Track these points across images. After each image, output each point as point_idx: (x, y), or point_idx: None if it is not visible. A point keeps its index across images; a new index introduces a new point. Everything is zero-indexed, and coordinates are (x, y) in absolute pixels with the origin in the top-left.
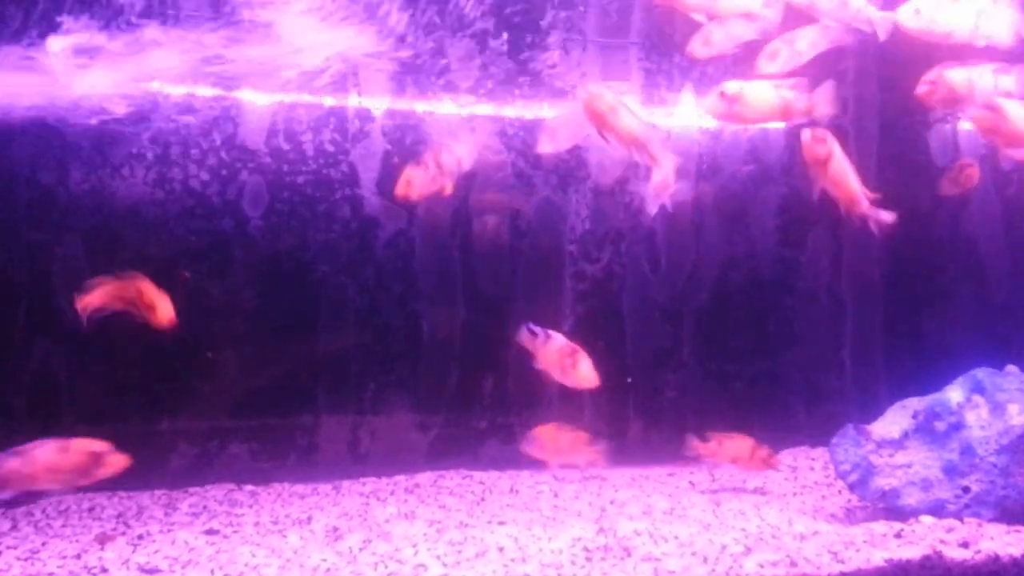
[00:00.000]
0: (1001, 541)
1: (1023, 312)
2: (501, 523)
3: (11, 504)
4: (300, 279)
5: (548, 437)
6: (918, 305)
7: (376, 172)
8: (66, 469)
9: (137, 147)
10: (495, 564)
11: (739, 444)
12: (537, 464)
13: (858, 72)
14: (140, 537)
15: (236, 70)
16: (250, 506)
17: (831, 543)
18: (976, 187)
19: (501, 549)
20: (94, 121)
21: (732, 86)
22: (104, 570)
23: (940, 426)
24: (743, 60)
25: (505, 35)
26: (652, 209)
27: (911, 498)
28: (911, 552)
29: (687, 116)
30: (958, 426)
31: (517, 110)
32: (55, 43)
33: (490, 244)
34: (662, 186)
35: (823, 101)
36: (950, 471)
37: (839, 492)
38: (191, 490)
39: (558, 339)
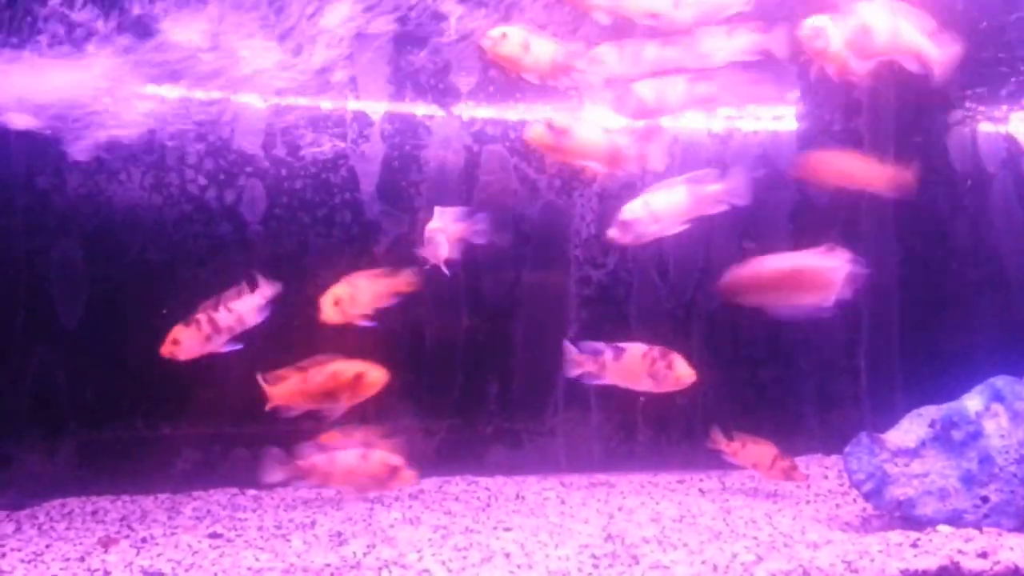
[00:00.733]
0: (1021, 552)
1: None
2: (507, 529)
3: (15, 507)
4: (297, 283)
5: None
6: (935, 312)
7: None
8: (363, 476)
9: None
10: (501, 570)
11: (762, 450)
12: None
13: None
14: (144, 540)
15: None
16: (253, 510)
17: (845, 552)
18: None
19: (507, 555)
20: None
21: (561, 119)
22: (107, 573)
23: (958, 435)
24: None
25: None
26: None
27: (927, 508)
28: (928, 562)
29: (696, 120)
30: (976, 435)
31: (519, 112)
32: None
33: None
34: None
35: (656, 154)
36: (968, 480)
37: (853, 500)
38: (195, 494)
39: (636, 348)
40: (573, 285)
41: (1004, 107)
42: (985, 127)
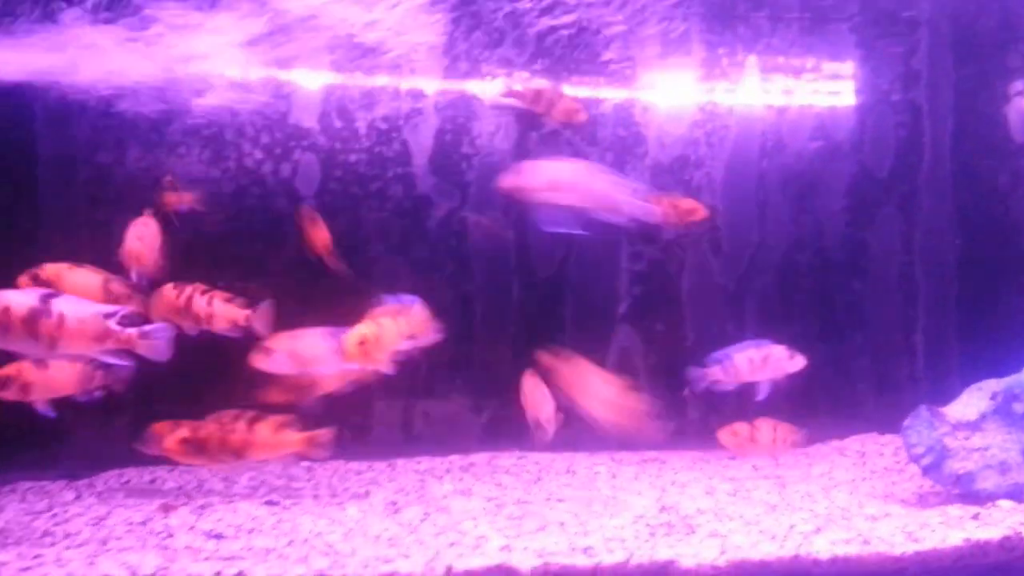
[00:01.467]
0: None
1: None
2: (560, 500)
3: (73, 477)
4: (352, 258)
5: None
6: (994, 286)
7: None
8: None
9: None
10: (557, 537)
11: (765, 428)
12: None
13: (931, 46)
14: (202, 507)
15: None
16: (307, 480)
17: (905, 524)
18: None
19: (562, 524)
20: None
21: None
22: (170, 535)
23: (1019, 408)
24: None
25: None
26: None
27: (988, 482)
28: (990, 533)
29: (750, 91)
30: None
31: (573, 86)
32: None
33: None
34: None
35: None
36: None
37: (910, 478)
38: (248, 465)
39: (749, 348)
40: (624, 260)
41: None
42: None
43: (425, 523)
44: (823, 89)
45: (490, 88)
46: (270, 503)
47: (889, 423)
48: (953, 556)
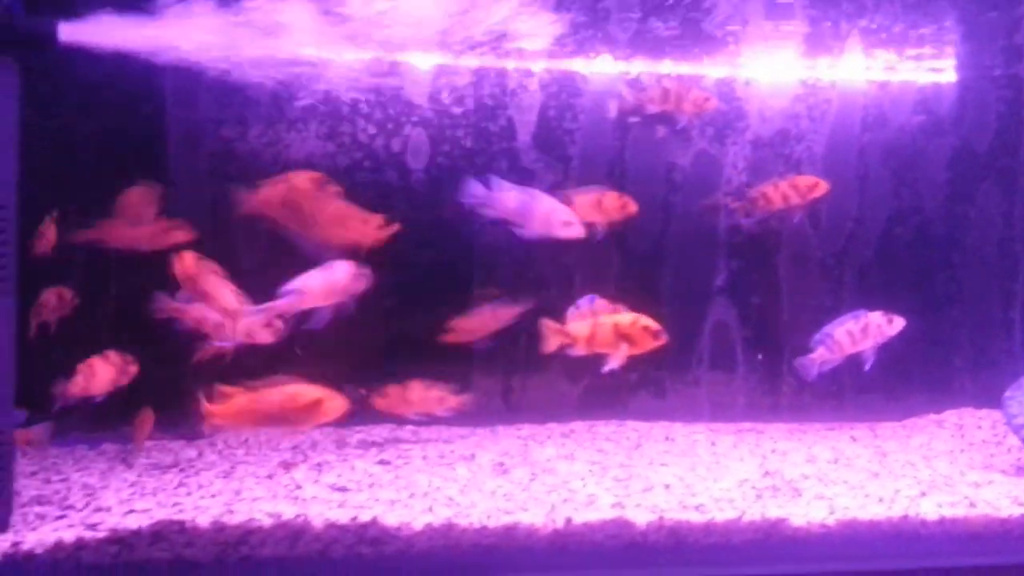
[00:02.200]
0: None
1: None
2: (663, 465)
3: (192, 436)
4: (456, 233)
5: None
6: None
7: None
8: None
9: None
10: (666, 496)
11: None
12: None
13: None
14: (319, 465)
15: None
16: (414, 443)
17: (1008, 490)
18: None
19: (667, 487)
20: None
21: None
22: (299, 487)
23: None
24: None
25: None
26: None
27: None
28: None
29: (853, 65)
30: None
31: (675, 60)
32: None
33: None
34: None
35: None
36: None
37: (1008, 451)
38: (356, 428)
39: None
40: (722, 234)
41: None
42: None
43: (535, 482)
44: (925, 64)
45: (613, 105)
46: (383, 462)
47: (985, 398)
48: None
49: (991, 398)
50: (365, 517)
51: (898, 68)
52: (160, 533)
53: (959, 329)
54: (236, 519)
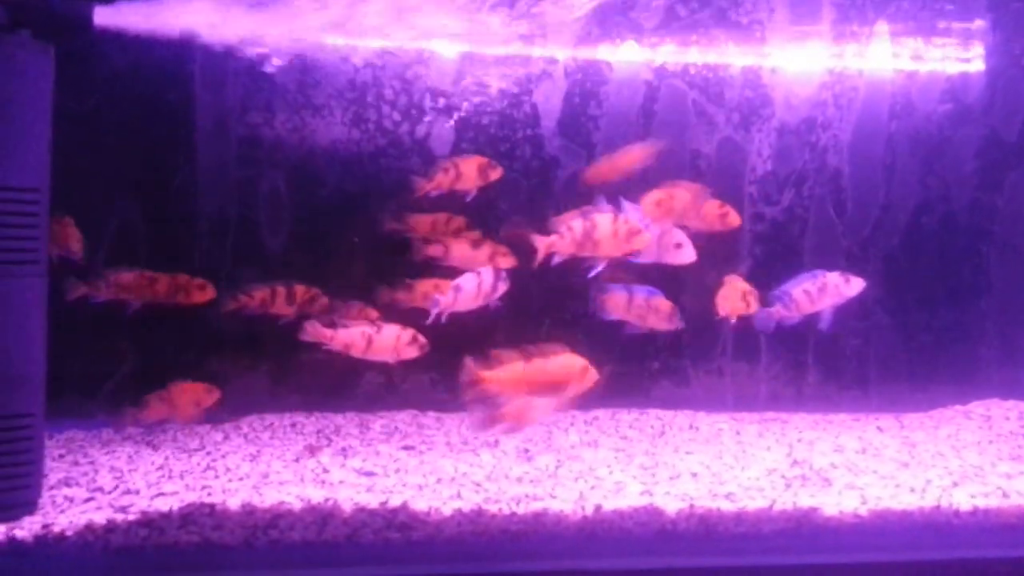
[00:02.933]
0: None
1: None
2: (688, 452)
3: (218, 420)
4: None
5: None
6: None
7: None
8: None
9: None
10: (694, 484)
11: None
12: None
13: None
14: (344, 450)
15: None
16: (438, 428)
17: None
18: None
19: (694, 475)
20: None
21: None
22: (326, 470)
23: None
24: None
25: None
26: None
27: None
28: None
29: (880, 54)
30: None
31: (701, 48)
32: None
33: None
34: None
35: None
36: None
37: None
38: (380, 414)
39: (800, 286)
40: (746, 221)
41: None
42: None
43: (561, 469)
44: (953, 52)
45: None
46: (407, 448)
47: (1012, 389)
48: None
49: (1018, 389)
50: (395, 502)
51: (926, 56)
52: (190, 516)
53: (986, 320)
54: (266, 502)
